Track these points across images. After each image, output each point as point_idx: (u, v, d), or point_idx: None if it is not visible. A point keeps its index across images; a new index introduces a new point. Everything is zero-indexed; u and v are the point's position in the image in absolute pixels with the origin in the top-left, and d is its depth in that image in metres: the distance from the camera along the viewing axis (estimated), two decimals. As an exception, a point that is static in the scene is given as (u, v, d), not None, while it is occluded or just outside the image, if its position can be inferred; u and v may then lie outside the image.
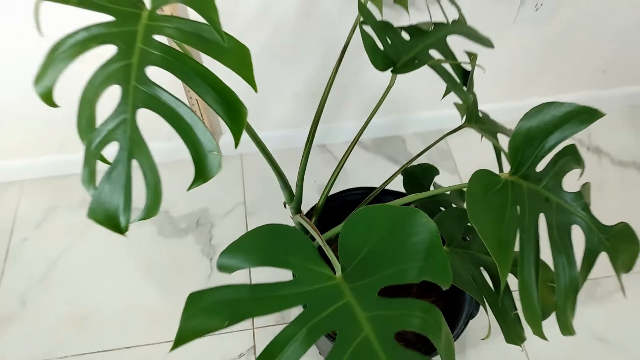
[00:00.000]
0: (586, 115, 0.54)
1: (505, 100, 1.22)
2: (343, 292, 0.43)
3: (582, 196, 0.56)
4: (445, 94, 0.73)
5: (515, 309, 0.68)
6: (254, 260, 0.43)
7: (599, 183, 1.19)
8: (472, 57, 0.79)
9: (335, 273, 0.46)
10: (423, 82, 1.11)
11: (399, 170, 0.81)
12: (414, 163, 0.79)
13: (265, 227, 0.45)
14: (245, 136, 1.16)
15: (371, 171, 1.19)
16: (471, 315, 0.76)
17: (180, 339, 0.38)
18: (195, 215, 1.13)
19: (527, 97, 1.23)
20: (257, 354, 0.94)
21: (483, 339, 0.67)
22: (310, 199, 0.85)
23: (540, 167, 0.57)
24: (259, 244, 0.44)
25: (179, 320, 0.38)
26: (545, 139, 0.54)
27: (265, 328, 0.98)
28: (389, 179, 0.81)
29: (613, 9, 1.05)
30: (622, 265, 0.60)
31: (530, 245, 0.51)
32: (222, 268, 0.44)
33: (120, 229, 0.52)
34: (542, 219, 0.54)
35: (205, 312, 0.39)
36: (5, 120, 1.06)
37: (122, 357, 0.95)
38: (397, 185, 0.82)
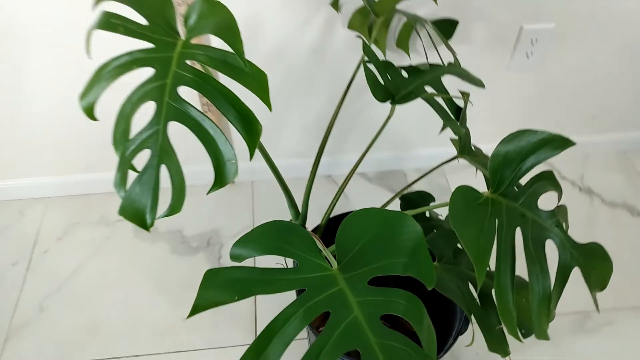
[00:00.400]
0: (558, 143, 0.62)
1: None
2: (337, 280, 0.50)
3: (555, 214, 0.62)
4: (442, 129, 0.81)
5: (500, 324, 0.73)
6: (262, 249, 0.51)
7: (590, 222, 1.25)
8: (465, 95, 0.87)
9: (332, 267, 0.53)
10: (423, 121, 1.21)
11: (396, 195, 0.88)
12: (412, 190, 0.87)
13: (272, 222, 0.52)
14: (256, 164, 1.28)
15: (373, 200, 1.26)
16: (460, 331, 0.81)
17: (197, 308, 0.44)
18: (207, 236, 1.20)
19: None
20: None
21: (467, 345, 0.73)
22: (315, 221, 0.92)
23: (527, 180, 0.64)
24: (267, 236, 0.51)
25: (197, 292, 0.45)
26: (522, 162, 0.61)
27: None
28: (387, 202, 0.88)
29: (600, 60, 1.14)
30: (595, 283, 0.66)
31: (506, 253, 0.57)
32: (234, 257, 0.51)
33: (146, 226, 0.59)
34: (519, 233, 0.61)
35: (219, 287, 0.46)
36: (37, 141, 1.16)
37: (130, 365, 1.01)
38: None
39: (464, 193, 0.58)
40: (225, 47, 0.59)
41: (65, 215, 1.25)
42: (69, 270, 1.14)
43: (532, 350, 1.02)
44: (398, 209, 0.89)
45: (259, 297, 1.11)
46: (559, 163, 1.37)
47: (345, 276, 0.51)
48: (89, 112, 0.63)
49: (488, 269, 0.59)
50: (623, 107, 1.27)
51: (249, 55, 1.04)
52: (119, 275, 1.14)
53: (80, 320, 1.06)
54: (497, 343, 0.68)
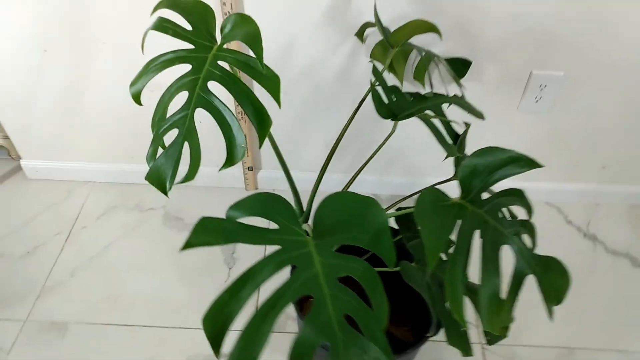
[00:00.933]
0: (525, 162, 0.70)
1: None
2: (309, 244, 0.60)
3: (516, 225, 0.70)
4: (446, 157, 0.89)
5: (464, 325, 0.80)
6: (251, 212, 0.62)
7: (589, 267, 1.28)
8: (467, 124, 0.97)
9: (307, 235, 0.63)
10: (436, 153, 1.30)
11: (391, 205, 0.97)
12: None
13: (263, 193, 0.63)
14: (272, 173, 1.41)
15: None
16: (434, 334, 0.88)
17: (188, 244, 0.55)
18: (225, 232, 1.32)
19: (528, 180, 1.38)
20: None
21: (428, 335, 0.80)
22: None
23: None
24: (257, 202, 0.62)
25: (190, 233, 0.56)
26: (490, 174, 0.70)
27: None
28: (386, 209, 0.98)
29: (609, 111, 1.21)
30: (551, 296, 0.72)
31: (463, 249, 0.65)
32: (230, 215, 0.62)
33: (165, 190, 0.71)
34: (478, 240, 0.69)
35: (210, 232, 0.57)
36: (92, 130, 1.33)
37: (141, 333, 1.12)
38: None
39: (433, 193, 0.67)
40: (250, 52, 0.72)
41: (106, 199, 1.40)
42: (102, 245, 1.29)
43: (513, 377, 1.07)
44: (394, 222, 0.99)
45: (261, 293, 1.21)
46: (567, 208, 1.42)
47: (315, 242, 0.61)
48: (136, 97, 0.77)
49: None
50: (634, 160, 1.32)
51: (281, 70, 1.20)
52: (144, 256, 1.27)
53: (104, 290, 1.19)
54: (457, 339, 0.75)
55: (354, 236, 0.60)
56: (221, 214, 1.45)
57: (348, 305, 0.55)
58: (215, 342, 0.56)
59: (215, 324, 0.56)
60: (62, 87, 1.24)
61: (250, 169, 1.38)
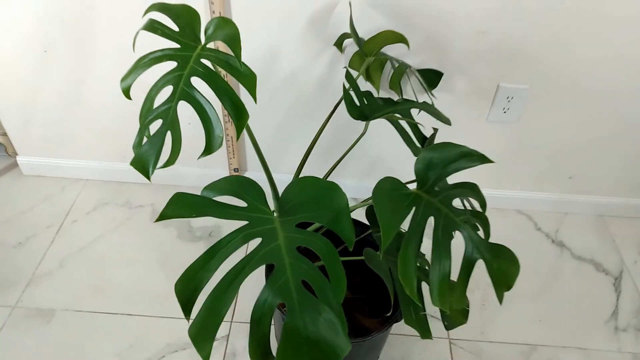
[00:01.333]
0: (476, 157, 0.78)
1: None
2: (274, 221, 0.67)
3: (467, 214, 0.77)
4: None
5: (424, 310, 0.86)
6: (224, 192, 0.68)
7: (557, 271, 1.35)
8: (435, 130, 1.05)
9: (274, 214, 0.70)
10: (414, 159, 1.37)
11: (363, 202, 1.04)
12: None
13: (234, 176, 0.70)
14: (257, 175, 1.48)
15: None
16: (396, 320, 0.94)
17: (163, 216, 0.62)
18: (210, 229, 1.38)
19: (498, 188, 1.46)
20: (229, 343, 1.13)
21: (387, 315, 0.86)
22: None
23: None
24: (229, 183, 0.69)
25: (165, 206, 0.63)
26: (445, 167, 0.77)
27: (240, 324, 1.18)
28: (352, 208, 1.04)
29: (574, 123, 1.29)
30: (500, 282, 0.78)
31: (416, 232, 0.72)
32: (204, 194, 0.69)
33: (148, 175, 0.77)
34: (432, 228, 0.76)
35: (183, 205, 0.63)
36: (85, 127, 1.40)
37: (125, 321, 1.17)
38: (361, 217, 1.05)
39: (391, 181, 0.74)
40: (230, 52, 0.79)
41: (97, 196, 1.47)
42: (91, 238, 1.35)
43: (477, 370, 1.12)
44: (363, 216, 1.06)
45: (240, 292, 1.27)
46: (537, 216, 1.49)
47: (280, 219, 0.67)
48: (126, 92, 0.84)
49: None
50: (600, 171, 1.40)
51: (268, 77, 1.28)
52: (130, 249, 1.33)
53: (91, 280, 1.25)
54: (413, 320, 0.81)
55: (316, 215, 0.67)
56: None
57: (306, 273, 0.62)
58: (187, 306, 0.63)
59: (186, 289, 0.62)
60: (61, 86, 1.31)
61: (236, 170, 1.45)
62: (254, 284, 0.80)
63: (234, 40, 0.79)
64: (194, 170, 1.47)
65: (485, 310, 1.24)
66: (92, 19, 1.19)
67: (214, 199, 0.68)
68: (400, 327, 1.17)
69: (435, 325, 1.20)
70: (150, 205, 1.45)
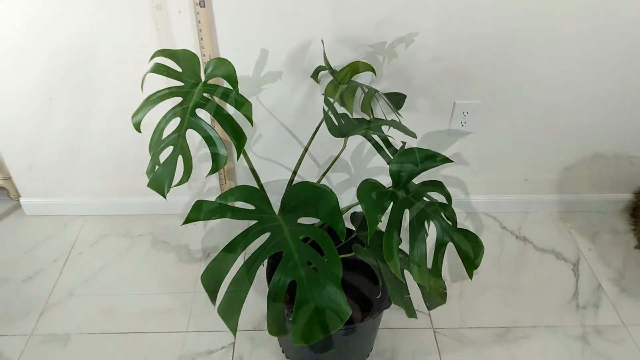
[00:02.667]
0: (440, 158, 0.94)
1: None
2: (278, 219, 0.81)
3: (435, 205, 0.93)
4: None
5: (408, 294, 1.00)
6: (235, 199, 0.82)
7: (522, 262, 1.51)
8: (403, 143, 1.21)
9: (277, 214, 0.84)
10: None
11: (346, 207, 1.19)
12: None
13: (243, 185, 0.84)
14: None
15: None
16: (385, 307, 1.07)
17: (189, 219, 0.75)
18: (208, 250, 1.50)
19: (465, 193, 1.63)
20: (235, 350, 1.24)
21: (377, 297, 0.99)
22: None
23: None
24: (239, 192, 0.83)
25: (188, 213, 0.76)
26: (414, 168, 0.93)
27: (245, 332, 1.29)
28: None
29: (522, 131, 1.48)
30: (468, 261, 0.93)
31: (395, 222, 0.87)
32: (218, 201, 0.83)
33: (164, 193, 0.91)
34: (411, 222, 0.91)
35: (204, 210, 0.77)
36: (83, 167, 1.52)
37: (137, 339, 1.27)
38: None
39: (371, 182, 0.89)
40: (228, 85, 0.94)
41: (98, 229, 1.57)
42: (97, 268, 1.45)
43: (461, 354, 1.26)
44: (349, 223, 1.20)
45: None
46: (502, 217, 1.66)
47: (283, 217, 0.81)
48: (137, 126, 0.98)
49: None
50: (549, 172, 1.59)
51: (255, 109, 1.44)
52: (135, 275, 1.43)
53: (101, 304, 1.35)
54: (401, 300, 0.95)
55: (313, 212, 0.82)
56: (203, 236, 1.72)
57: (310, 256, 0.76)
58: (212, 292, 0.75)
59: (212, 278, 0.75)
60: (63, 130, 1.43)
61: (227, 195, 1.58)
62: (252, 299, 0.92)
63: (231, 76, 0.94)
64: (184, 198, 1.60)
65: (463, 301, 1.38)
66: (92, 70, 1.33)
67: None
68: (390, 322, 1.30)
69: (421, 319, 1.34)
70: (150, 234, 1.56)
